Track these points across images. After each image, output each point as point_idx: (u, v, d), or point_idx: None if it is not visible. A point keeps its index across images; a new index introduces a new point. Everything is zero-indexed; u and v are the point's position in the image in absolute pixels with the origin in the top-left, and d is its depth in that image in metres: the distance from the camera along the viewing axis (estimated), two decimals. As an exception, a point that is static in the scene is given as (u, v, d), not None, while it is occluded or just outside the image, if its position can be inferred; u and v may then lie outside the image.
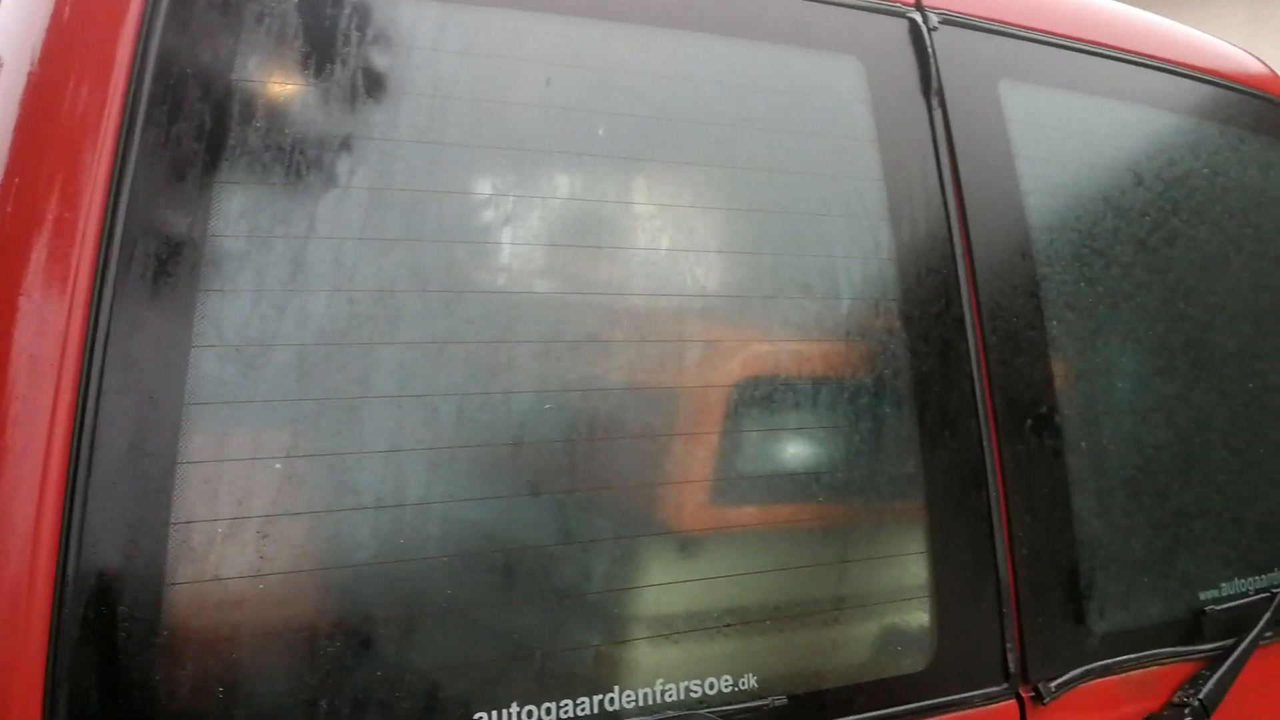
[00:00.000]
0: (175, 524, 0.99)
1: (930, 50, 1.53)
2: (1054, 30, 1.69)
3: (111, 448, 0.97)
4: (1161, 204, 1.74)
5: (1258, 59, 2.05)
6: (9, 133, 1.03)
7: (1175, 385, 1.70)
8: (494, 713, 1.10)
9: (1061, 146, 1.66)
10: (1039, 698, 1.43)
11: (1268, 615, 1.64)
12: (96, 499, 0.96)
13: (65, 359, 0.97)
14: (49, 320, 0.97)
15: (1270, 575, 1.72)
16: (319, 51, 1.13)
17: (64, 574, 0.94)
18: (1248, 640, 1.60)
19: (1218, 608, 1.64)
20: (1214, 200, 1.83)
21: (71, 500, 0.95)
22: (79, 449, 0.96)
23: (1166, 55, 1.82)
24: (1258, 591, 1.69)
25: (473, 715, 1.09)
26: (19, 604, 0.93)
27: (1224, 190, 1.85)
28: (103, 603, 0.95)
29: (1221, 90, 1.88)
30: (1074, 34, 1.71)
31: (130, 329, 1.00)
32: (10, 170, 1.01)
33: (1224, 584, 1.68)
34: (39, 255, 0.99)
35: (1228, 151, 1.87)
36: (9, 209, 1.00)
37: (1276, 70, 2.07)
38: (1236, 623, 1.63)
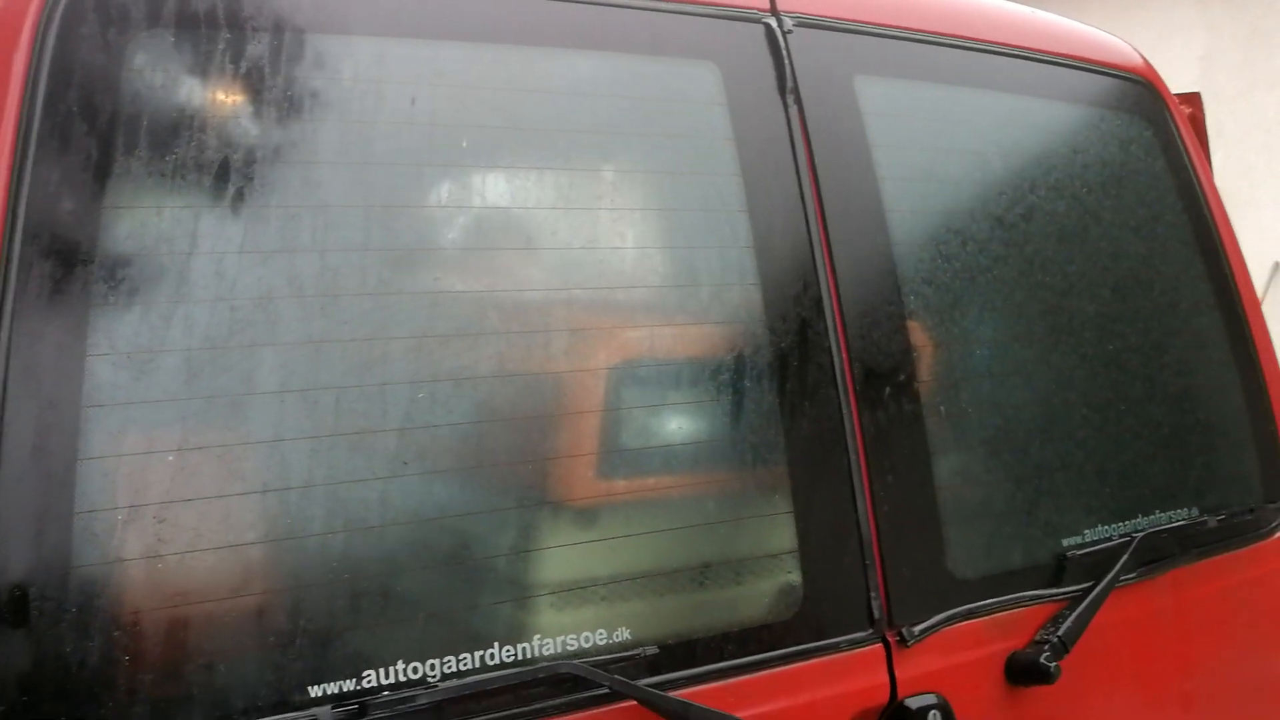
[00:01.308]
0: (79, 514, 1.12)
1: (785, 52, 1.66)
2: (907, 25, 1.83)
3: (17, 448, 1.10)
4: (1017, 182, 1.88)
5: (1120, 39, 2.19)
6: None
7: (1034, 350, 1.84)
8: (381, 670, 1.23)
9: (916, 134, 1.80)
10: (903, 641, 1.57)
11: (1125, 558, 1.78)
12: (5, 494, 1.09)
13: None
14: None
15: (1130, 521, 1.86)
16: (200, 76, 1.25)
17: None
18: (1105, 581, 1.74)
19: (1079, 553, 1.78)
20: (1070, 175, 1.96)
21: None
22: None
23: (1017, 42, 1.96)
24: (1119, 537, 1.83)
25: (361, 674, 1.22)
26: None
27: (1081, 166, 1.99)
28: (15, 586, 1.08)
29: (1074, 71, 2.02)
30: (927, 28, 1.85)
31: (30, 341, 1.12)
32: None
33: (1086, 531, 1.81)
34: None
35: (1084, 129, 2.01)
36: None
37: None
38: (1097, 566, 1.77)
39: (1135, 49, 2.20)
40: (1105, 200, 1.99)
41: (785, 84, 1.65)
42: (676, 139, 1.57)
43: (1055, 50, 2.01)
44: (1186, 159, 2.13)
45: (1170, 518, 1.92)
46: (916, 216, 1.74)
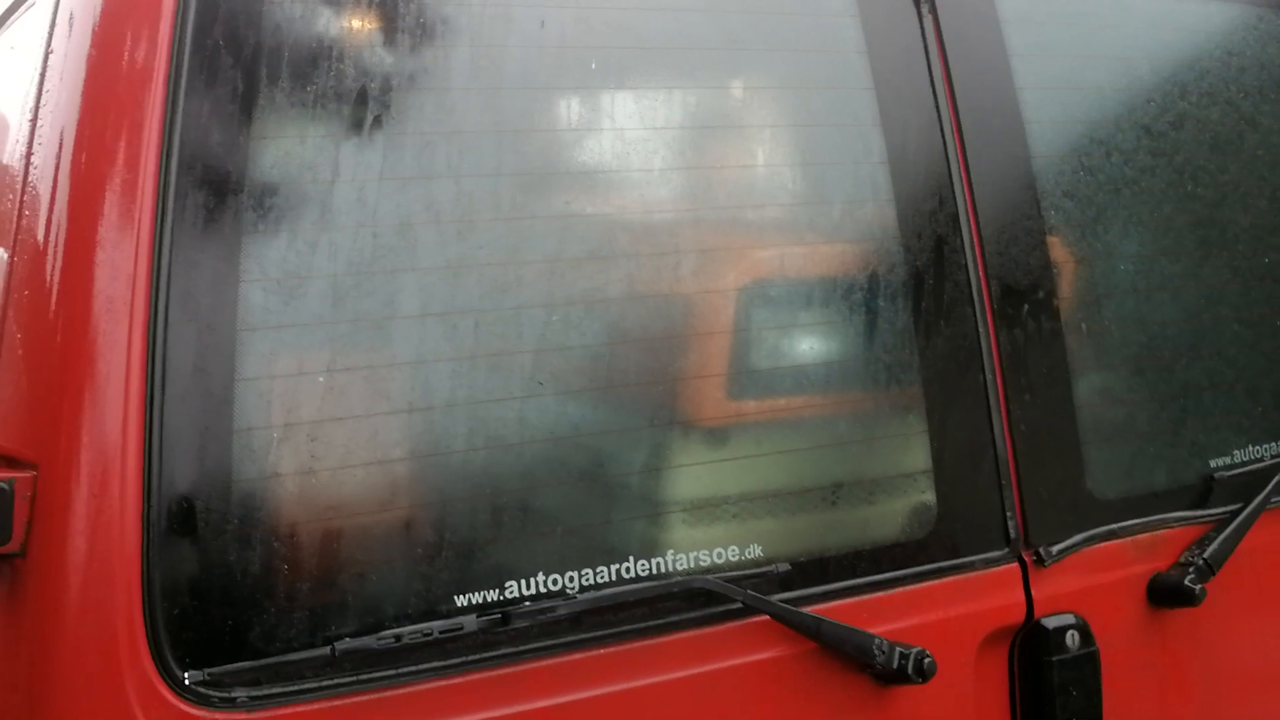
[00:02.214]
0: (238, 431, 1.18)
1: None
2: None
3: (179, 370, 1.16)
4: (1166, 87, 1.79)
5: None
6: (76, 100, 1.20)
7: (1183, 264, 1.77)
8: (522, 581, 1.27)
9: (1058, 40, 1.72)
10: (1040, 561, 1.55)
11: (1277, 479, 1.72)
12: (171, 413, 1.15)
13: (135, 298, 1.15)
14: (120, 267, 1.16)
15: (1251, 449, 1.79)
16: (337, 6, 1.28)
17: (149, 477, 1.13)
18: (1255, 503, 1.69)
19: (1227, 474, 1.72)
20: (1224, 79, 1.86)
21: (150, 415, 1.14)
22: (153, 373, 1.15)
23: None
24: (1270, 458, 1.76)
25: (504, 584, 1.26)
26: (115, 503, 1.13)
27: (1237, 69, 1.88)
28: (182, 498, 1.15)
29: None
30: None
31: (187, 270, 1.18)
32: (91, 115, 1.18)
33: (1236, 451, 1.75)
34: (109, 213, 1.17)
35: (1238, 29, 1.90)
36: (80, 177, 1.18)
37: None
38: (1246, 488, 1.71)
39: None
40: (1262, 104, 1.89)
41: (920, -9, 1.60)
42: (807, 53, 1.55)
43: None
44: None
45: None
46: (1057, 127, 1.68)
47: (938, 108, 1.58)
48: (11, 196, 1.27)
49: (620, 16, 1.43)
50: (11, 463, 1.14)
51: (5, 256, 1.24)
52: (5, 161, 1.34)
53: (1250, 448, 1.77)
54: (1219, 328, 1.78)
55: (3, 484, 1.11)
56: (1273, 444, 1.78)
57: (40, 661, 1.12)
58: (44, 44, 1.27)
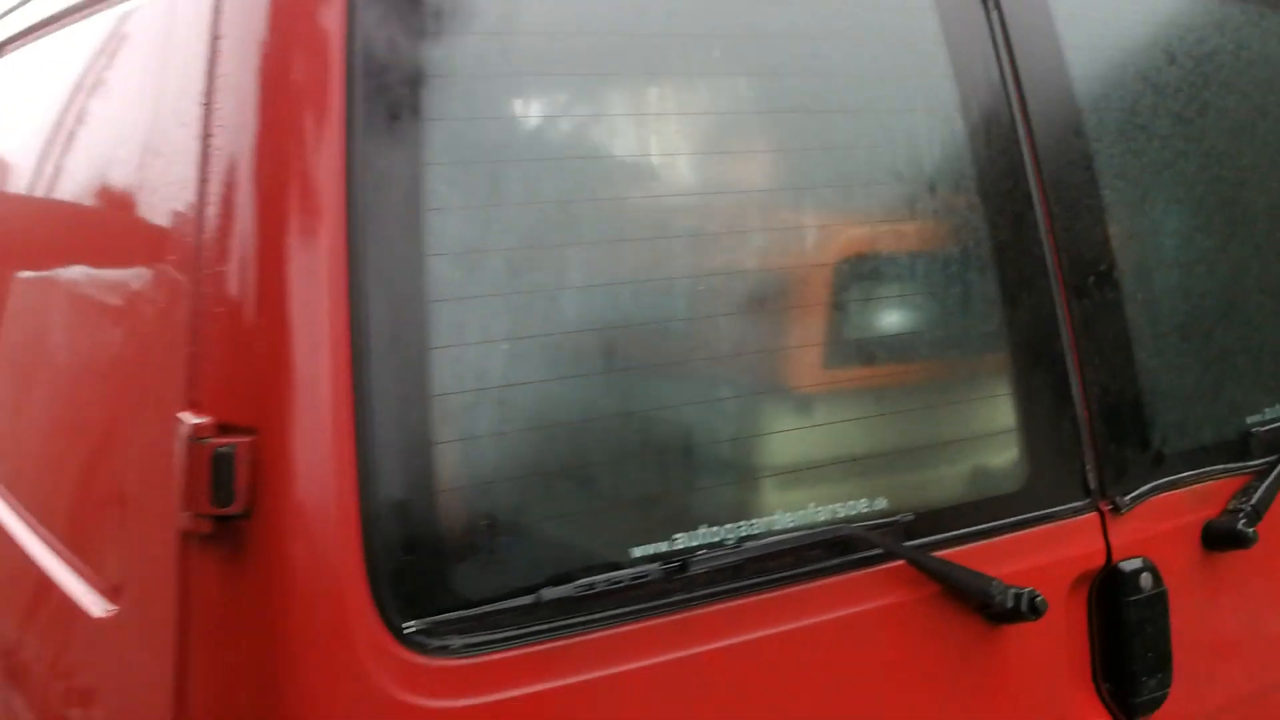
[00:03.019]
0: (435, 396, 1.24)
1: None
2: None
3: (379, 340, 1.22)
4: (1193, 79, 1.96)
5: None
6: (258, 93, 1.26)
7: (1215, 240, 1.94)
8: (687, 534, 1.36)
9: (1102, 35, 1.88)
10: (1116, 510, 1.69)
11: (1308, 433, 1.89)
12: (374, 379, 1.21)
13: (334, 271, 1.22)
14: (318, 243, 1.22)
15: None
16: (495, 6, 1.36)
17: (360, 438, 1.19)
18: (1291, 453, 1.86)
19: (1262, 429, 1.89)
20: (1240, 72, 2.04)
21: (356, 381, 1.20)
22: (356, 342, 1.21)
23: None
24: (1297, 414, 1.94)
25: (673, 535, 1.35)
26: (331, 463, 1.18)
27: (1249, 63, 2.06)
28: (391, 459, 1.21)
29: None
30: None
31: (378, 245, 1.24)
32: (267, 126, 1.24)
33: (1267, 409, 1.92)
34: (301, 194, 1.23)
35: (1250, 26, 2.08)
36: (276, 157, 1.24)
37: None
38: (1276, 441, 1.89)
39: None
40: (1272, 95, 2.07)
41: (987, -11, 1.73)
42: (896, 44, 1.67)
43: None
44: None
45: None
46: (1107, 114, 1.83)
47: (1008, 97, 1.71)
48: (189, 191, 1.31)
49: (735, 6, 1.53)
50: (229, 429, 1.19)
51: (198, 244, 1.28)
52: (173, 151, 1.37)
53: (1277, 405, 1.94)
54: (1247, 298, 1.96)
55: (225, 448, 1.17)
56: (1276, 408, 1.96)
57: (271, 615, 1.17)
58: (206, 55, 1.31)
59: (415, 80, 1.28)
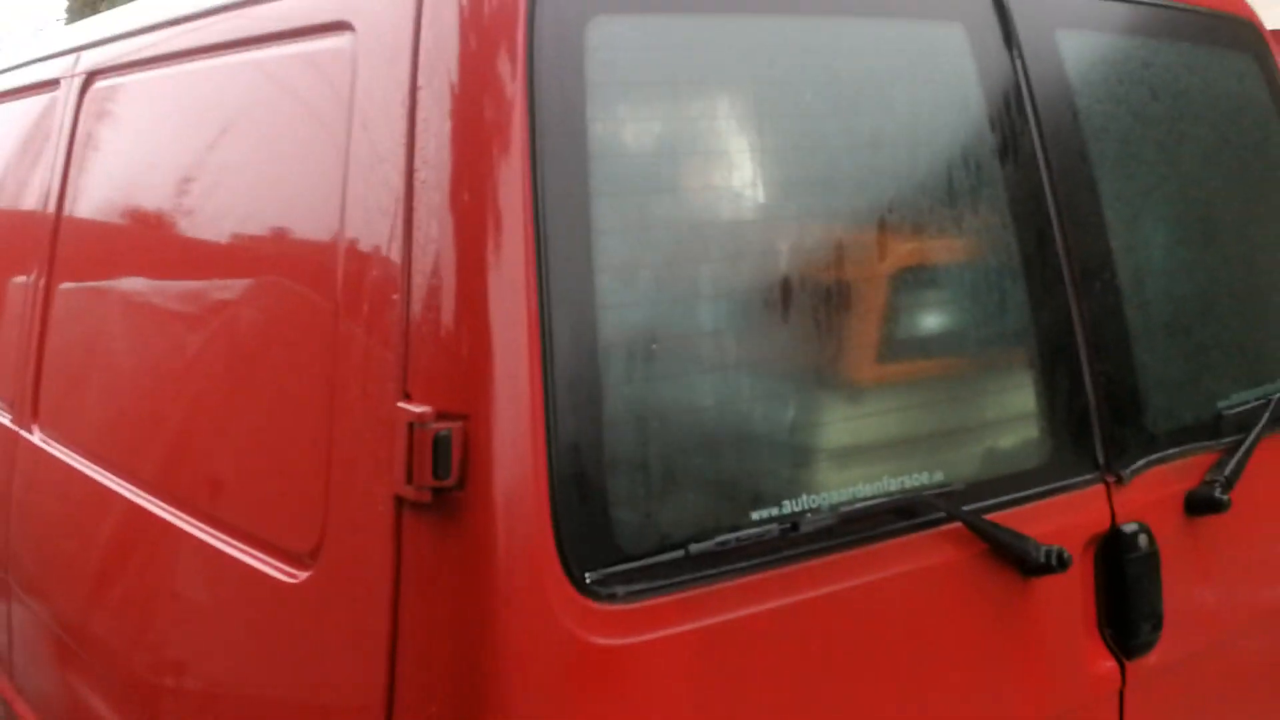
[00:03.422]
0: (605, 386, 1.50)
1: (1008, 9, 2.04)
2: None
3: (561, 341, 1.48)
4: (1171, 113, 2.29)
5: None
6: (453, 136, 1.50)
7: (1191, 251, 2.28)
8: (793, 499, 1.64)
9: (1101, 77, 2.19)
10: (1119, 481, 2.01)
11: (1267, 415, 2.24)
12: (559, 375, 1.47)
13: (527, 283, 1.46)
14: (511, 259, 1.47)
15: (1266, 386, 2.31)
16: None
17: (549, 423, 1.45)
18: (1254, 433, 2.20)
19: (1232, 411, 2.23)
20: (1208, 105, 2.38)
21: (545, 375, 1.46)
22: (544, 344, 1.46)
23: None
24: (1259, 398, 2.28)
25: (782, 501, 1.63)
26: (527, 443, 1.44)
27: (1215, 97, 2.40)
28: (572, 441, 1.47)
29: (1195, 15, 2.41)
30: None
31: (559, 262, 1.49)
32: (463, 161, 1.49)
33: (1234, 395, 2.26)
34: (495, 218, 1.47)
35: (1214, 66, 2.42)
36: (473, 187, 1.48)
37: None
38: (1246, 421, 2.23)
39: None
40: (1231, 123, 2.41)
41: (1011, 39, 2.03)
42: (939, 87, 1.96)
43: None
44: None
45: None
46: (1105, 144, 2.15)
47: (1030, 131, 2.01)
48: (394, 218, 1.55)
49: (807, 75, 1.81)
50: (445, 416, 1.44)
51: (405, 262, 1.52)
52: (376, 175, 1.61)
53: (1244, 392, 2.28)
54: (1217, 301, 2.29)
55: (444, 431, 1.42)
56: (1260, 388, 2.30)
57: (477, 569, 1.43)
58: (408, 85, 1.55)
59: (583, 116, 1.53)
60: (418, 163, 1.51)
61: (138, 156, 2.38)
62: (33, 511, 2.65)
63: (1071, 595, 1.95)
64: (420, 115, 1.52)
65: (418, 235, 1.50)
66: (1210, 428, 2.21)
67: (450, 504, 1.44)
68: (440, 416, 1.44)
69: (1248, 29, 2.54)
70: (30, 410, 2.64)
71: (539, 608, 1.43)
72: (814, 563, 1.64)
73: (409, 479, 1.43)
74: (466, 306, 1.46)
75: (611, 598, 1.48)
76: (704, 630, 1.53)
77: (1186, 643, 2.10)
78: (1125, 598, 2.00)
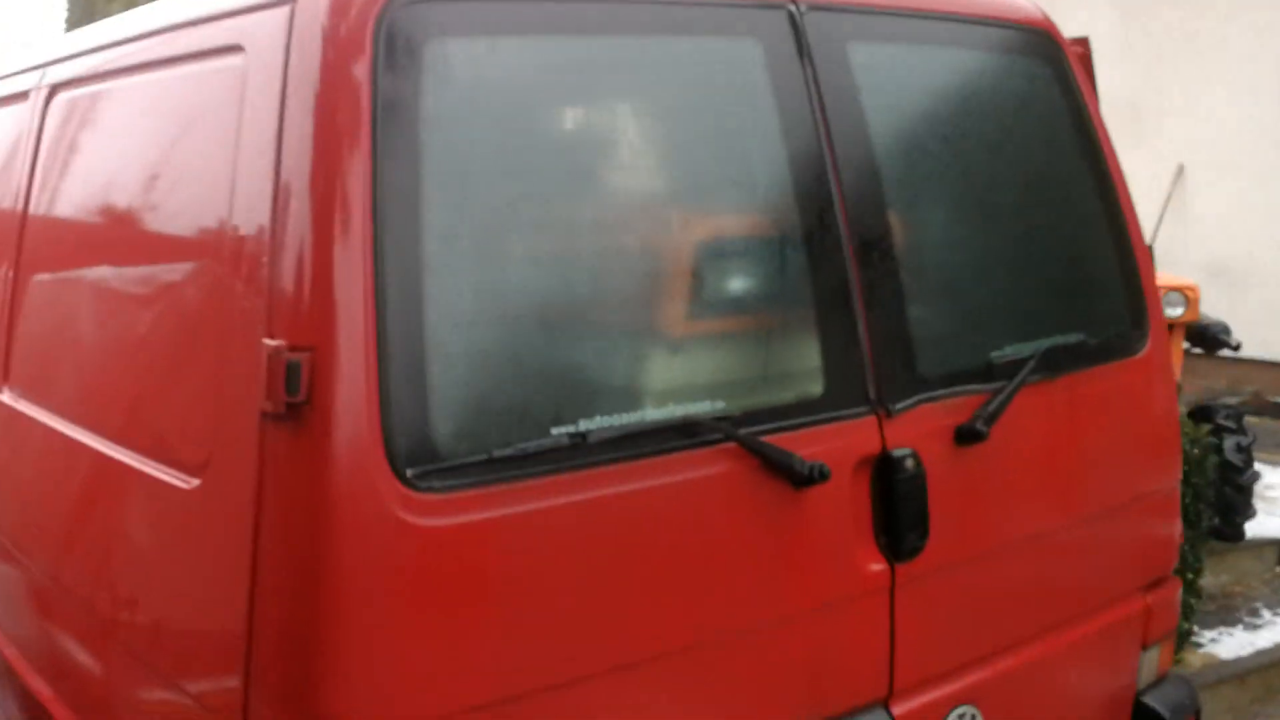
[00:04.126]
0: (426, 329, 1.92)
1: (801, 28, 2.47)
2: (882, 5, 2.64)
3: (391, 292, 1.90)
4: (956, 111, 2.72)
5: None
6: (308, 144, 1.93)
7: (969, 229, 2.71)
8: (587, 419, 2.07)
9: (884, 81, 2.62)
10: (889, 414, 2.44)
11: (1030, 364, 2.66)
12: (389, 317, 1.89)
13: (364, 249, 1.88)
14: (353, 232, 1.89)
15: (1037, 341, 2.74)
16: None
17: (380, 352, 1.87)
18: (1018, 379, 2.62)
19: (1001, 361, 2.66)
20: (994, 102, 2.81)
21: (376, 319, 1.88)
22: (377, 293, 1.88)
23: (954, 10, 2.78)
24: (1030, 352, 2.71)
25: (577, 419, 2.05)
26: (361, 368, 1.87)
27: (1003, 95, 2.83)
28: (395, 365, 1.89)
29: (992, 27, 2.85)
30: (895, 5, 2.66)
31: (392, 233, 1.91)
32: (319, 154, 1.92)
33: (1008, 347, 2.69)
34: (342, 200, 1.91)
35: (1001, 72, 2.85)
36: (325, 175, 1.92)
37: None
38: (1013, 369, 2.65)
39: (1038, 6, 3.03)
40: (1020, 119, 2.85)
41: (802, 50, 2.46)
42: (737, 92, 2.39)
43: (979, 13, 2.84)
44: (1076, 88, 2.98)
45: (1065, 339, 2.80)
46: (889, 139, 2.58)
47: (816, 126, 2.44)
48: (267, 201, 1.98)
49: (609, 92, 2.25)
50: (297, 349, 1.87)
51: (274, 235, 1.96)
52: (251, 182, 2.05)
53: (1016, 345, 2.70)
54: (995, 272, 2.73)
55: (294, 360, 1.85)
56: (1031, 342, 2.73)
57: (320, 467, 1.86)
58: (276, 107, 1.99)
59: (416, 119, 1.96)
60: (284, 156, 1.95)
61: (86, 157, 2.83)
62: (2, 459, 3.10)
63: (846, 506, 2.39)
64: (287, 118, 1.96)
65: (281, 213, 1.94)
66: (982, 374, 2.63)
67: (300, 416, 1.87)
68: (293, 349, 1.87)
69: (1040, 36, 2.96)
70: (1, 374, 3.08)
71: (369, 495, 1.87)
72: (602, 470, 2.07)
73: (269, 397, 1.87)
74: (316, 266, 1.90)
75: (429, 489, 1.91)
76: (504, 517, 1.97)
77: (950, 552, 2.53)
78: (894, 511, 2.43)
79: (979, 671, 2.67)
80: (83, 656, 2.63)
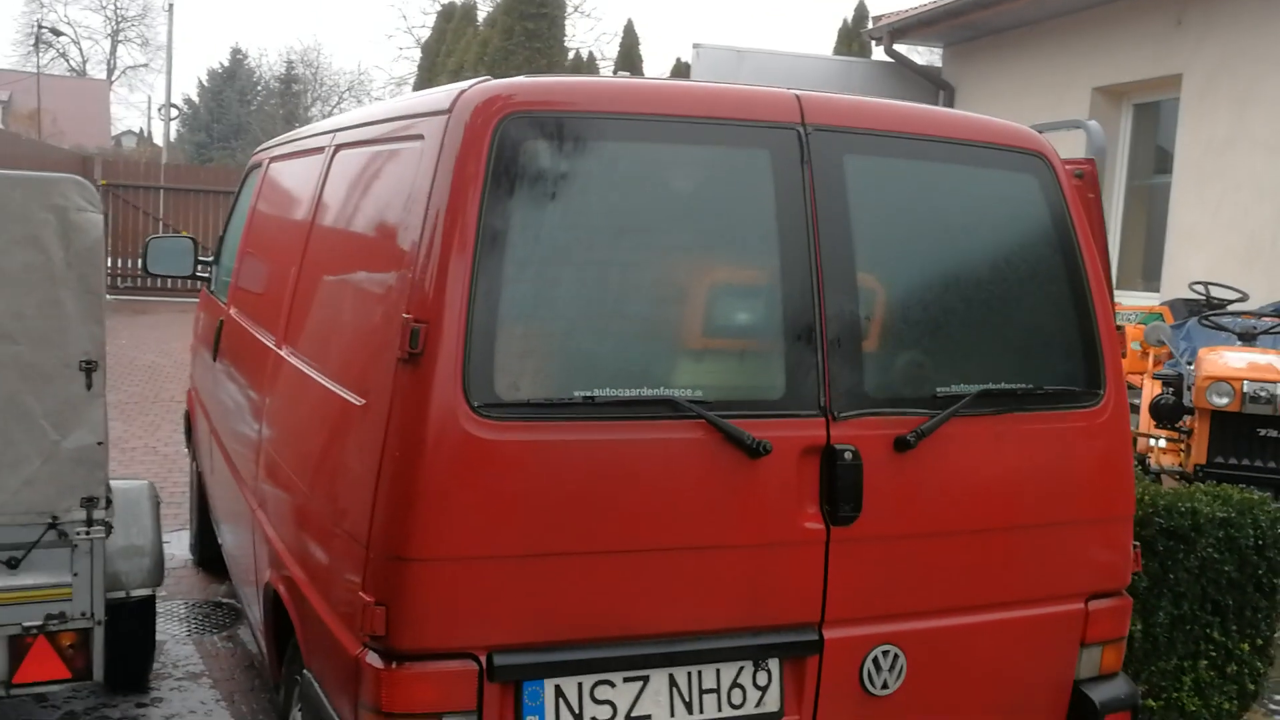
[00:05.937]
0: (499, 321, 3.13)
1: (806, 143, 3.51)
2: (878, 127, 3.64)
3: (479, 293, 3.12)
4: (944, 218, 3.68)
5: (1026, 129, 3.90)
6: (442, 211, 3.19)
7: (932, 297, 3.65)
8: (600, 389, 3.21)
9: (876, 191, 3.60)
10: (835, 418, 3.41)
11: (966, 399, 3.56)
12: (477, 308, 3.11)
13: (469, 266, 3.13)
14: (464, 255, 3.13)
15: (981, 385, 3.64)
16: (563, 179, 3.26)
17: (468, 327, 3.10)
18: (952, 408, 3.52)
19: (943, 395, 3.56)
20: (989, 213, 3.75)
21: (469, 307, 3.10)
22: (471, 293, 3.11)
23: (951, 134, 3.72)
24: (971, 390, 3.60)
25: (593, 389, 3.20)
26: (455, 335, 3.11)
27: (996, 208, 3.76)
28: (477, 337, 3.11)
29: (991, 150, 3.77)
30: (891, 128, 3.65)
31: (485, 257, 3.14)
32: (452, 200, 3.17)
33: (954, 385, 3.59)
34: (460, 234, 3.15)
35: (998, 190, 3.77)
36: (452, 216, 3.16)
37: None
38: (952, 402, 3.55)
39: (1036, 134, 3.91)
40: (994, 219, 3.76)
41: (804, 158, 3.50)
42: (748, 184, 3.47)
43: (972, 137, 3.78)
44: (1065, 204, 3.84)
45: (1010, 386, 3.67)
46: (865, 223, 3.55)
47: (807, 218, 3.46)
48: (416, 234, 3.26)
49: (642, 189, 3.39)
50: (419, 321, 3.12)
51: (418, 258, 3.24)
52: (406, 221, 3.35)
53: (963, 385, 3.61)
54: (947, 328, 3.65)
55: (418, 326, 3.10)
56: (969, 384, 3.63)
57: (425, 393, 3.09)
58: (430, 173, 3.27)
59: (511, 187, 3.18)
60: (432, 202, 3.22)
61: (341, 195, 4.28)
62: (277, 402, 4.58)
63: (794, 478, 3.39)
64: (438, 180, 3.23)
65: (426, 237, 3.20)
66: (926, 401, 3.56)
67: (417, 361, 3.12)
68: (417, 320, 3.12)
69: (1029, 156, 3.84)
70: (284, 337, 4.57)
71: (451, 414, 3.08)
72: (605, 423, 3.20)
73: (400, 348, 3.13)
74: (439, 271, 3.14)
75: (488, 416, 3.10)
76: (534, 441, 3.14)
77: (880, 526, 3.46)
78: (833, 486, 3.41)
79: (905, 623, 3.57)
80: (302, 518, 4.00)
